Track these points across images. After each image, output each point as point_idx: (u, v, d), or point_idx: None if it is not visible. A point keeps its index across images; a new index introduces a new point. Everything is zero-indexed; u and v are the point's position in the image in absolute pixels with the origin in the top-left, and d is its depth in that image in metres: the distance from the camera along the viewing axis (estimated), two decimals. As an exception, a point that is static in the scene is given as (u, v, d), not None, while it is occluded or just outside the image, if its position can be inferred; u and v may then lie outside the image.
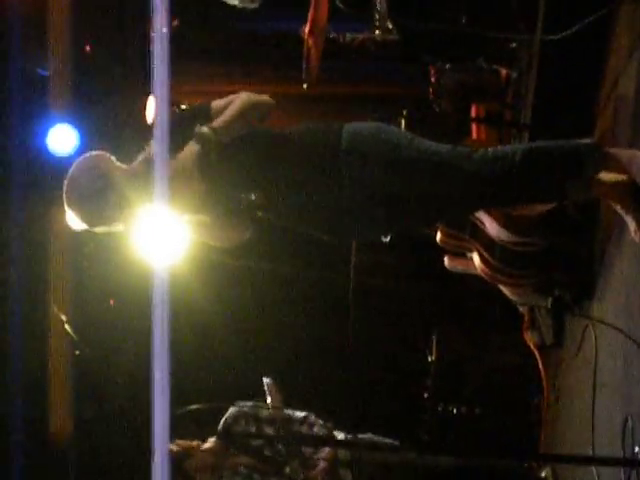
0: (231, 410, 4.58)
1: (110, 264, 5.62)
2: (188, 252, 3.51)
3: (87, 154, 3.44)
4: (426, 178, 3.25)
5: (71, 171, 3.39)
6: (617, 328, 3.46)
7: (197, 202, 3.36)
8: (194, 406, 3.78)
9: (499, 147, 3.33)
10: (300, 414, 4.61)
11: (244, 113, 3.38)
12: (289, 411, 4.61)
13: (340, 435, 4.61)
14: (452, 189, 3.26)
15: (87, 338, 6.10)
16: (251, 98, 3.41)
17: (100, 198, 3.32)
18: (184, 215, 3.38)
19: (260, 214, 3.47)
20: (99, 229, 3.41)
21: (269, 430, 4.55)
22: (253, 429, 4.55)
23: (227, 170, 3.36)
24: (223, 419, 4.56)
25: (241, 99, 3.41)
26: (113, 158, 3.41)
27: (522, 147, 3.37)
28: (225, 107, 3.40)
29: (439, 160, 3.25)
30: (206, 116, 3.41)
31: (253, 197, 3.35)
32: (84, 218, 3.36)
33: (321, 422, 4.61)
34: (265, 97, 3.45)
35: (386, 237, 3.50)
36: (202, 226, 3.44)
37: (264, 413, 4.55)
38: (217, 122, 3.36)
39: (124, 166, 3.41)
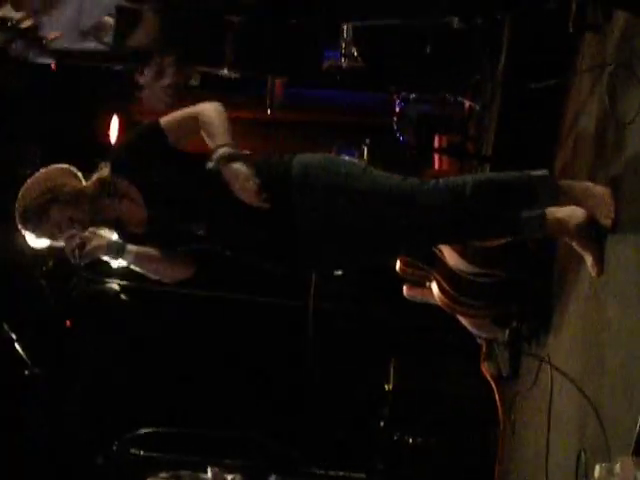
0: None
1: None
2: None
3: (51, 166, 3.43)
4: (375, 209, 3.22)
5: (29, 180, 3.39)
6: (565, 374, 3.46)
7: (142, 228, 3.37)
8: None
9: (451, 178, 3.31)
10: None
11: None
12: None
13: None
14: (403, 220, 3.22)
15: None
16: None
17: (42, 212, 3.31)
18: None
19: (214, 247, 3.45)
20: (42, 242, 3.41)
21: None
22: None
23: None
24: None
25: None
26: (77, 173, 3.40)
27: (474, 177, 3.33)
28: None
29: (389, 191, 3.23)
30: (159, 134, 3.36)
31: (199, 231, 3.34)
32: (26, 229, 3.36)
33: None
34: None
35: (338, 270, 3.46)
36: (148, 261, 3.43)
37: None
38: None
39: (82, 183, 3.38)
